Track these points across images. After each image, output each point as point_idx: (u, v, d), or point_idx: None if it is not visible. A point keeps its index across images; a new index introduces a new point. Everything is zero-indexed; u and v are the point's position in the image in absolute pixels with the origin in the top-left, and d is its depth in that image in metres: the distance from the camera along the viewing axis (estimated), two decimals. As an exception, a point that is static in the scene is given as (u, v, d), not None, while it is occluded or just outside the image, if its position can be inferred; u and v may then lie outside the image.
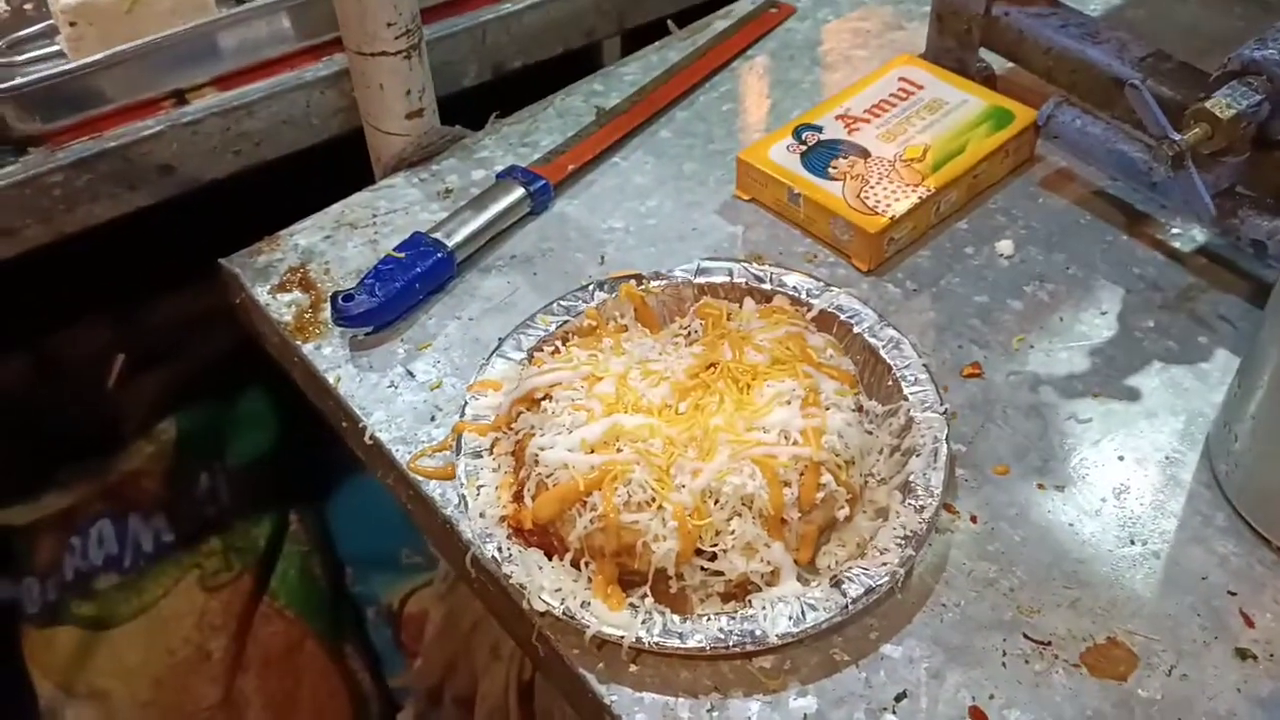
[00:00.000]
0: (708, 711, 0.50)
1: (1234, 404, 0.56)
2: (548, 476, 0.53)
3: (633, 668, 0.52)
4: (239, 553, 1.30)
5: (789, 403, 0.54)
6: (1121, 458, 0.59)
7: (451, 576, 1.00)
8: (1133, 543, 0.56)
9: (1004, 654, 0.52)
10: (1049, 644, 0.52)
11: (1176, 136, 0.58)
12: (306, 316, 0.68)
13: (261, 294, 0.70)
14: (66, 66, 0.74)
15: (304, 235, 0.74)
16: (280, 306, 0.69)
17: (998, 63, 0.79)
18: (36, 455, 1.24)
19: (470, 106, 0.82)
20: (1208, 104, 0.59)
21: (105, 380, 1.25)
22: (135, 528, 1.28)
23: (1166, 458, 0.59)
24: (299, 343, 0.67)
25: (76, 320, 1.23)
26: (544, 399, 0.56)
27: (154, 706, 1.26)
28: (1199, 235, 0.70)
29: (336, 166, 0.80)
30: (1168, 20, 0.83)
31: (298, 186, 0.79)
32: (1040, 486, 0.58)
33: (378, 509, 1.37)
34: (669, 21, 0.88)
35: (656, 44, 0.86)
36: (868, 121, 0.73)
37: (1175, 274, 0.68)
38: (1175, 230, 0.70)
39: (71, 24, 0.74)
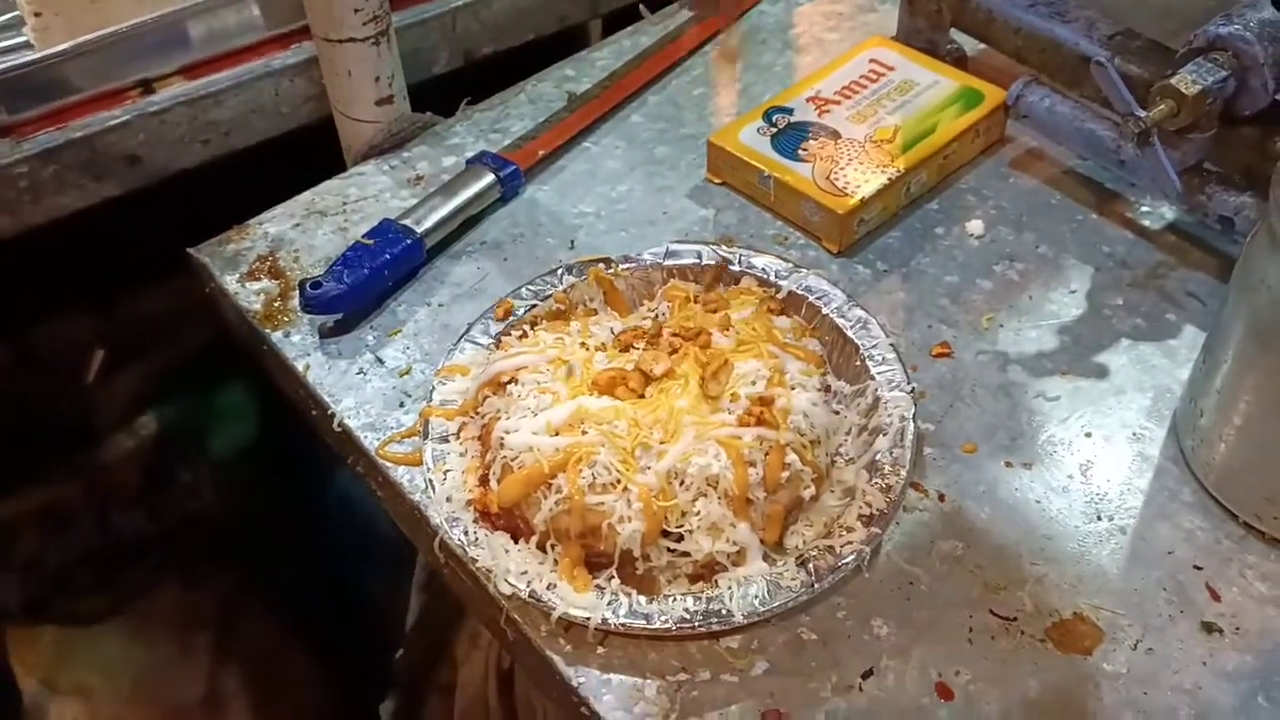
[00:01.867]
0: (675, 692, 0.50)
1: (1199, 380, 0.56)
2: (513, 460, 0.53)
3: (600, 649, 0.52)
4: (221, 546, 1.30)
5: (754, 383, 0.54)
6: (1089, 435, 0.59)
7: (431, 566, 1.00)
8: (1099, 519, 0.56)
9: (971, 630, 0.52)
10: (1015, 620, 0.52)
11: (1142, 113, 0.58)
12: (275, 305, 0.68)
13: (230, 282, 0.70)
14: (32, 57, 0.73)
15: (273, 224, 0.73)
16: (249, 295, 0.69)
17: (969, 44, 0.79)
18: (16, 449, 1.23)
19: (442, 93, 0.82)
20: (1173, 80, 0.59)
21: (85, 374, 1.25)
22: (117, 522, 1.27)
23: (1134, 434, 0.59)
24: (268, 331, 0.67)
25: (56, 313, 1.23)
26: (509, 383, 0.56)
27: (137, 703, 1.26)
28: (1168, 213, 0.70)
29: (307, 155, 0.80)
30: (1141, 2, 0.83)
31: (269, 176, 0.79)
32: (1008, 464, 0.58)
33: (362, 501, 1.38)
34: (641, 6, 0.88)
35: (629, 29, 0.86)
36: (838, 103, 0.73)
37: (1144, 252, 0.68)
38: (1145, 208, 0.70)
39: (37, 14, 0.73)
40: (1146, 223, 0.69)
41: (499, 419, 0.55)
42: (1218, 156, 0.64)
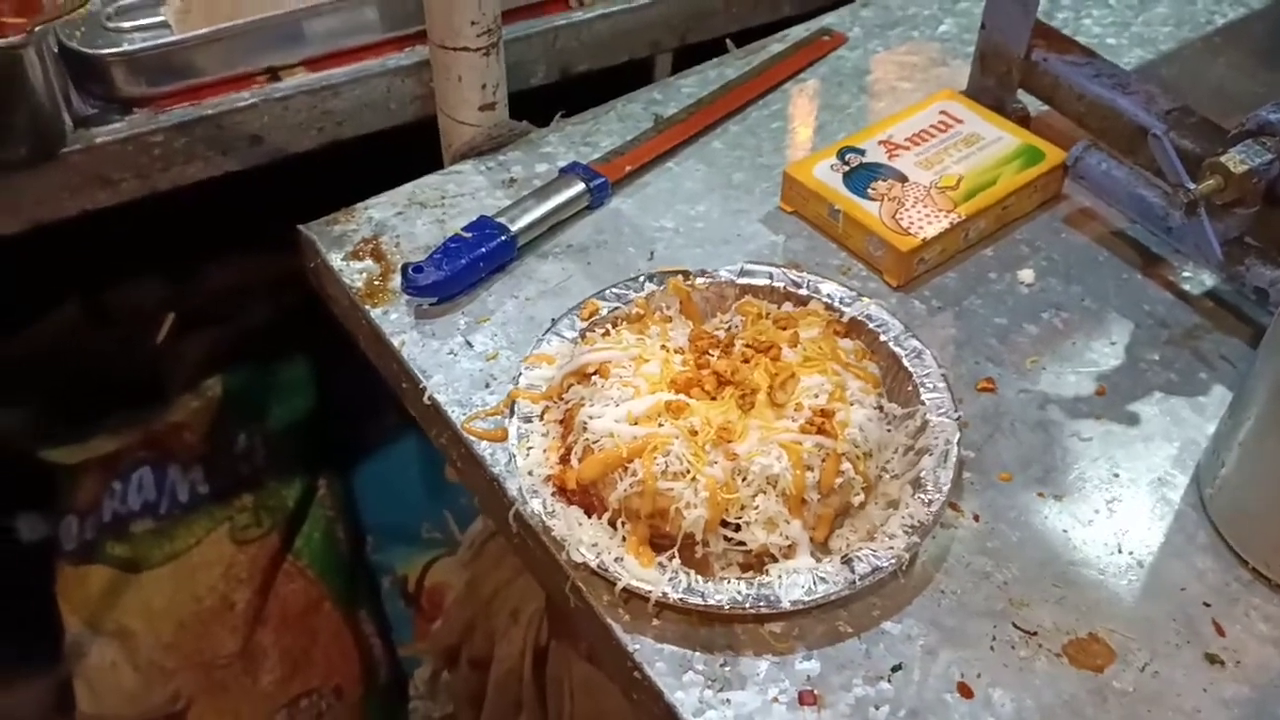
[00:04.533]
0: (720, 666, 0.56)
1: (1224, 434, 0.61)
2: (594, 443, 0.58)
3: (655, 621, 0.57)
4: (269, 511, 1.35)
5: (817, 396, 0.59)
6: (1116, 475, 0.64)
7: (477, 545, 1.06)
8: (1120, 551, 0.61)
9: (993, 639, 0.57)
10: (1035, 634, 0.57)
11: (1192, 186, 0.64)
12: (376, 284, 0.74)
13: (336, 260, 0.76)
14: (173, 38, 0.80)
15: (378, 210, 0.79)
16: (352, 273, 0.75)
17: (1033, 105, 0.84)
18: (87, 400, 1.30)
19: (537, 105, 0.88)
20: (1223, 158, 0.64)
21: (155, 335, 1.31)
22: (174, 477, 1.33)
23: (1159, 479, 0.64)
24: (368, 307, 0.73)
25: (134, 276, 1.29)
26: (594, 374, 0.62)
27: (175, 650, 1.31)
28: (1208, 280, 0.75)
29: (406, 150, 0.86)
30: (1197, 80, 0.89)
31: (369, 165, 0.85)
32: (1040, 495, 0.63)
33: (403, 483, 1.44)
34: (727, 40, 0.94)
35: (714, 60, 0.92)
36: (908, 149, 0.79)
37: (1183, 313, 0.73)
38: (1186, 274, 0.75)
39: (181, 1, 0.80)
40: (1187, 287, 0.74)
41: (583, 405, 0.60)
42: (1258, 232, 0.69)
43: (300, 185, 0.84)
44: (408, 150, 0.86)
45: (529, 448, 0.62)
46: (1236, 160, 0.63)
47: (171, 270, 1.31)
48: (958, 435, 0.62)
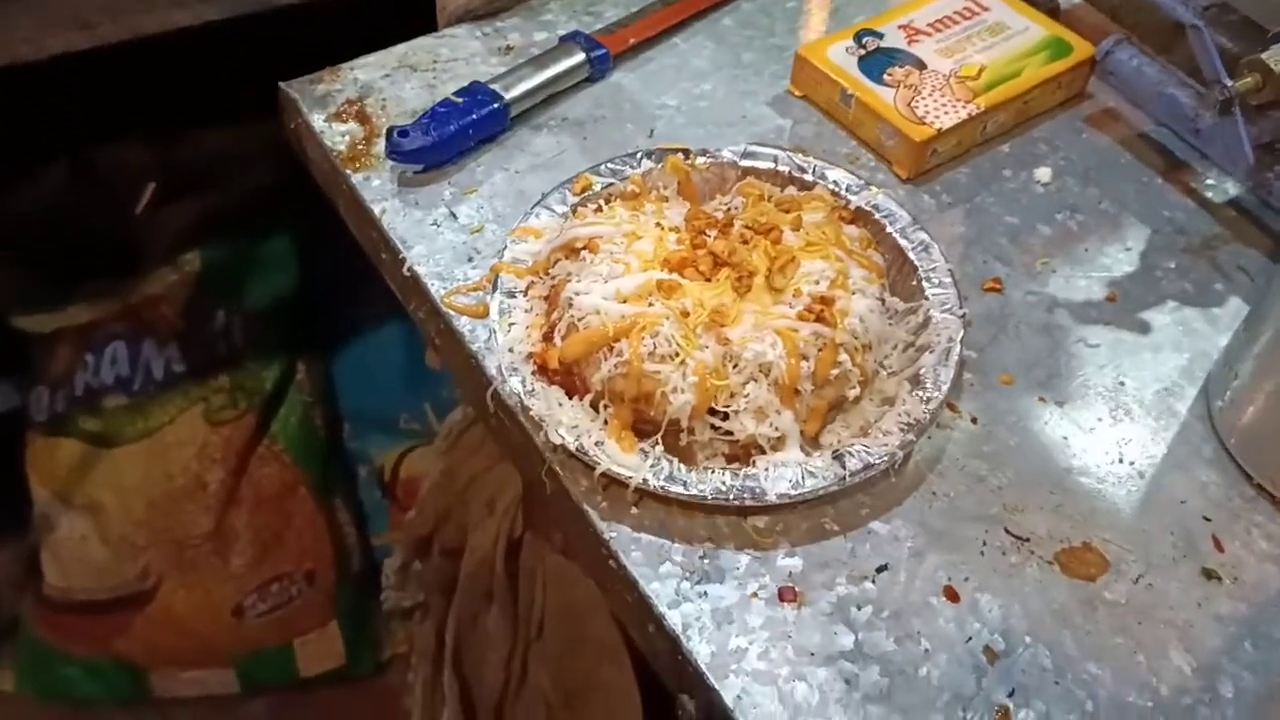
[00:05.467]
0: (700, 558, 0.54)
1: (1238, 345, 0.58)
2: (579, 320, 0.55)
3: (634, 510, 0.55)
4: (245, 392, 1.33)
5: (818, 283, 0.56)
6: (1122, 383, 0.62)
7: (454, 434, 1.04)
8: (1121, 461, 0.58)
9: (984, 544, 0.55)
10: (1027, 540, 0.55)
11: (1229, 82, 0.60)
12: (359, 148, 0.70)
13: (317, 120, 0.72)
14: None
15: (364, 71, 0.75)
16: (334, 135, 0.71)
17: (1063, -1, 0.80)
18: (63, 267, 1.26)
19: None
20: (1263, 55, 0.60)
21: (136, 202, 1.27)
22: (148, 353, 1.30)
23: (1166, 389, 0.61)
24: (349, 171, 0.69)
25: (118, 138, 1.24)
26: (583, 249, 0.58)
27: (146, 526, 1.30)
28: (1231, 189, 0.71)
29: (400, 12, 0.81)
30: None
31: (360, 27, 0.80)
32: (1041, 400, 0.61)
33: (383, 371, 1.41)
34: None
35: (729, -65, 0.87)
36: (929, 35, 0.74)
37: (1203, 222, 0.69)
38: (1209, 181, 0.72)
39: None
40: (1209, 195, 0.71)
41: (569, 281, 0.57)
42: (1292, 138, 0.65)
43: (289, 46, 0.79)
44: (401, 13, 0.81)
45: (510, 324, 0.59)
46: (1277, 59, 0.59)
47: (157, 135, 1.26)
48: (961, 333, 0.59)
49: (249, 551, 1.34)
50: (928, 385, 0.57)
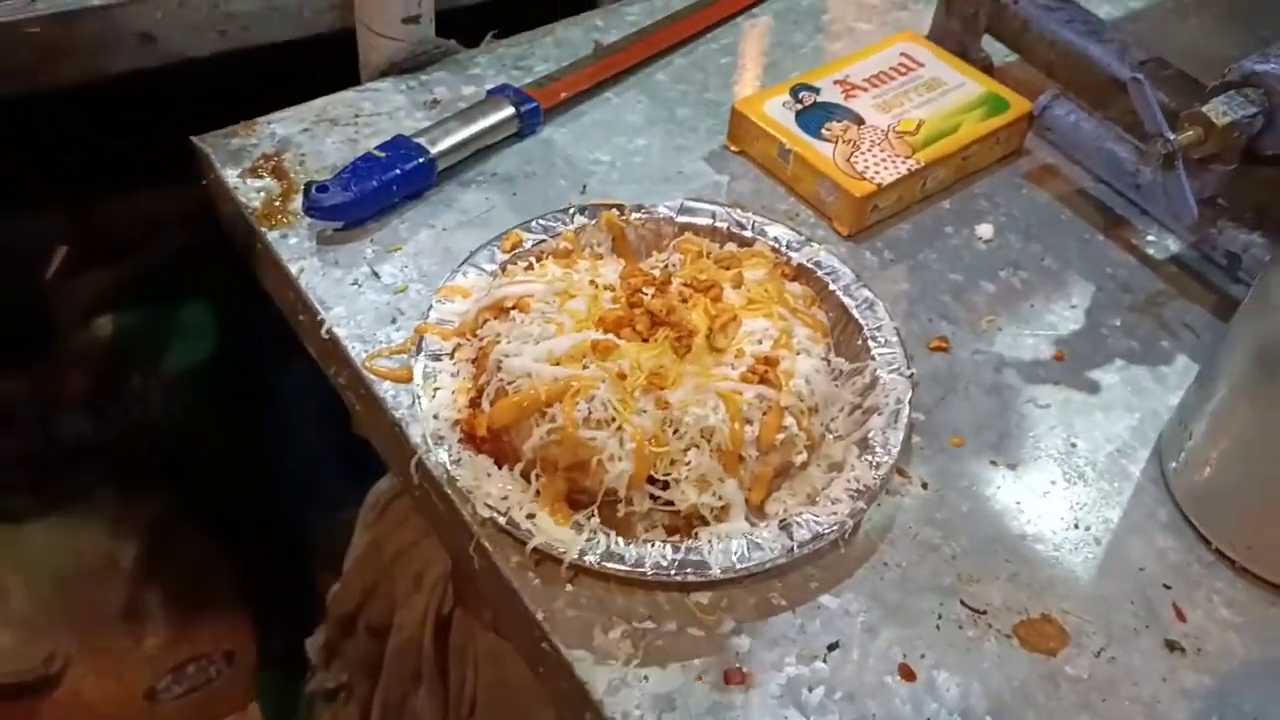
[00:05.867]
0: (640, 639, 0.50)
1: (1191, 403, 0.57)
2: (509, 383, 0.52)
3: (569, 587, 0.51)
4: (161, 462, 1.27)
5: (761, 342, 0.54)
6: (1074, 445, 0.60)
7: (380, 505, 0.99)
8: (1076, 527, 0.56)
9: (939, 617, 0.52)
10: (984, 613, 0.52)
11: (1171, 136, 0.59)
12: (276, 205, 0.67)
13: (231, 176, 0.68)
14: (55, -84, 0.71)
15: (282, 125, 0.72)
16: (249, 191, 0.67)
17: (997, 57, 0.79)
18: (-36, 336, 1.20)
19: (468, 24, 0.80)
20: (1204, 109, 0.59)
21: (45, 269, 1.21)
22: (59, 423, 1.24)
23: (1118, 450, 0.59)
24: (264, 229, 0.65)
25: (27, 203, 1.19)
26: (513, 309, 0.55)
27: (55, 608, 1.23)
28: (1173, 244, 0.70)
29: (319, 66, 0.78)
30: (1165, 39, 0.84)
31: (278, 81, 0.77)
32: (993, 463, 0.58)
33: (309, 437, 1.35)
34: (677, -30, 0.87)
35: (663, -11, 0.85)
36: (865, 90, 0.73)
37: (1146, 279, 0.68)
38: (1150, 237, 0.71)
39: (66, -126, 0.71)
40: (1151, 251, 0.70)
41: (498, 342, 0.54)
42: (1234, 193, 0.64)
43: (207, 104, 0.75)
44: (323, 66, 0.78)
45: (436, 389, 0.55)
46: (1219, 111, 0.59)
47: (72, 201, 1.21)
48: (909, 394, 0.57)
49: (163, 631, 1.27)
50: (877, 449, 0.55)
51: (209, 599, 1.28)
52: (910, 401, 0.56)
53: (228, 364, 1.29)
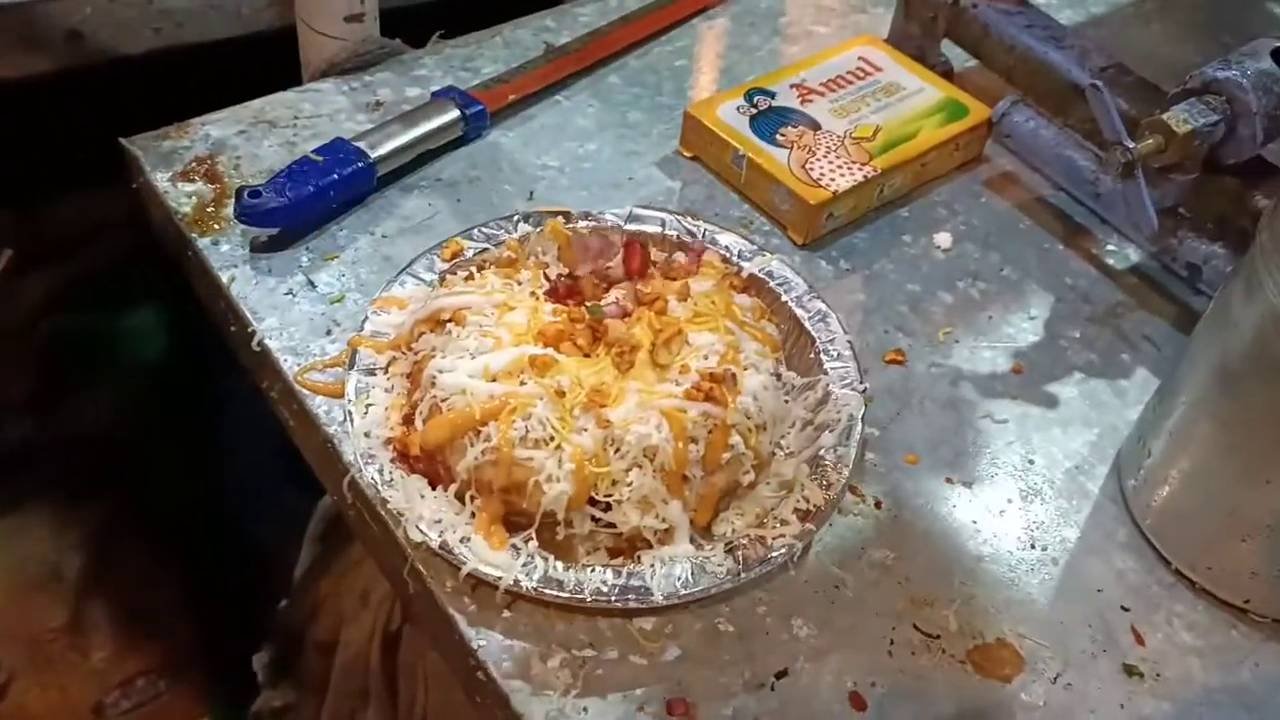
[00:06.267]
0: (580, 667, 0.48)
1: (1151, 419, 0.55)
2: (443, 401, 0.50)
3: (506, 613, 0.49)
4: (107, 469, 1.23)
5: (707, 358, 0.51)
6: (1032, 462, 0.58)
7: (328, 518, 0.96)
8: (1033, 547, 0.54)
9: (892, 642, 0.50)
10: (938, 637, 0.51)
11: (1130, 144, 0.57)
12: (208, 210, 0.64)
13: (161, 180, 0.65)
14: (-23, -93, 0.68)
15: (217, 126, 0.69)
16: (180, 195, 0.64)
17: (957, 61, 0.78)
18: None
19: (415, 23, 0.78)
20: (1164, 116, 0.58)
21: (-11, 273, 1.18)
22: (2, 428, 1.20)
23: (1076, 467, 0.58)
24: (195, 236, 0.63)
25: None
26: (449, 321, 0.53)
27: (-2, 619, 1.19)
28: (1133, 255, 0.69)
29: (259, 65, 0.75)
30: (1127, 44, 0.83)
31: (217, 80, 0.74)
32: (949, 480, 0.57)
33: (257, 446, 1.32)
34: (632, -31, 0.85)
35: (617, -10, 0.83)
36: (822, 95, 0.71)
37: (1106, 289, 0.67)
38: (1111, 247, 0.69)
39: None
40: (1111, 261, 0.69)
41: (433, 357, 0.51)
42: (1194, 203, 0.63)
43: (144, 104, 0.72)
44: (265, 65, 0.75)
45: (368, 405, 0.53)
46: (1180, 119, 0.57)
47: (12, 202, 1.17)
48: (862, 410, 0.55)
49: (110, 645, 1.24)
50: (828, 468, 0.53)
51: (157, 612, 1.24)
52: (863, 418, 0.55)
53: (176, 368, 1.26)
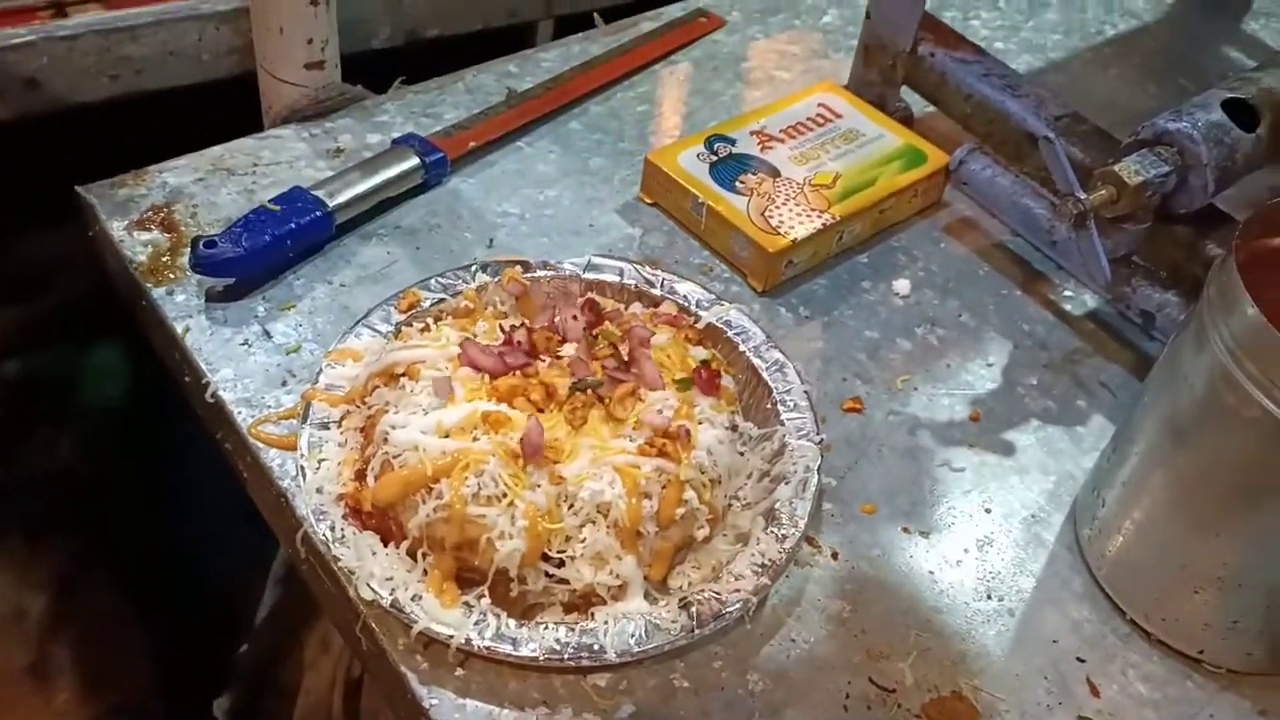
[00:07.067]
0: (533, 727, 0.47)
1: (1105, 469, 0.55)
2: (395, 457, 0.49)
3: (459, 671, 0.48)
4: (71, 510, 1.22)
5: (660, 412, 0.51)
6: (989, 511, 0.58)
7: (287, 563, 0.95)
8: (989, 598, 0.54)
9: (847, 696, 0.50)
10: (894, 691, 0.50)
11: (1083, 195, 0.58)
12: (163, 259, 0.63)
13: (116, 228, 0.65)
14: (-67, -45, 0.68)
15: (175, 174, 0.68)
16: (135, 244, 0.64)
17: (917, 106, 0.78)
18: None
19: (377, 70, 0.78)
20: (1116, 167, 0.58)
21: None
22: (-39, 470, 1.18)
23: (1033, 516, 0.58)
24: (149, 285, 0.62)
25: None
26: (402, 375, 0.53)
27: (-42, 662, 1.17)
28: (1090, 301, 0.69)
29: (220, 111, 0.75)
30: (1085, 91, 0.84)
31: (178, 127, 0.74)
32: (906, 530, 0.57)
33: (222, 487, 1.31)
34: (595, 15, 0.85)
35: (580, 35, 0.84)
36: (782, 141, 0.71)
37: (1063, 336, 0.67)
38: (1068, 293, 0.70)
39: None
40: (1068, 308, 0.69)
41: (386, 412, 0.51)
42: (1148, 251, 0.64)
43: (104, 151, 0.72)
44: (227, 111, 0.75)
45: (321, 459, 0.52)
46: (1131, 170, 0.58)
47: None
48: (819, 461, 0.55)
49: (73, 687, 1.22)
50: (784, 520, 0.53)
51: (120, 655, 1.22)
52: (819, 469, 0.55)
53: (138, 407, 1.25)
